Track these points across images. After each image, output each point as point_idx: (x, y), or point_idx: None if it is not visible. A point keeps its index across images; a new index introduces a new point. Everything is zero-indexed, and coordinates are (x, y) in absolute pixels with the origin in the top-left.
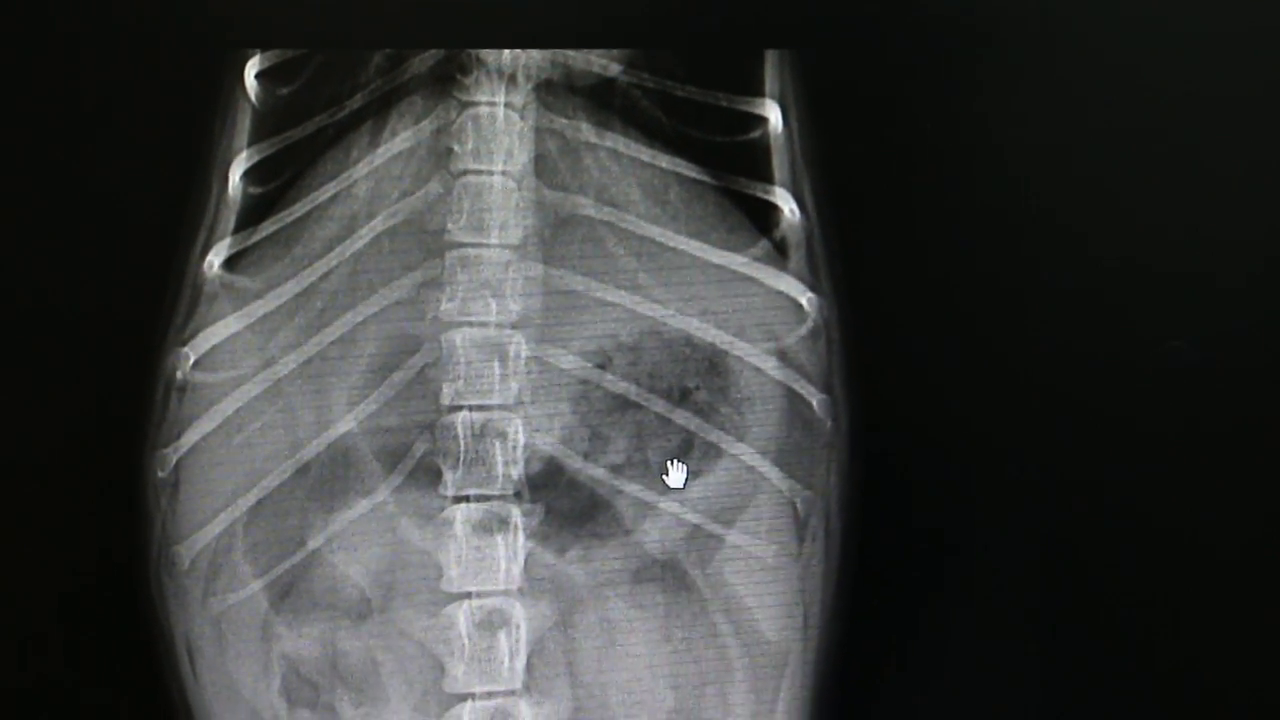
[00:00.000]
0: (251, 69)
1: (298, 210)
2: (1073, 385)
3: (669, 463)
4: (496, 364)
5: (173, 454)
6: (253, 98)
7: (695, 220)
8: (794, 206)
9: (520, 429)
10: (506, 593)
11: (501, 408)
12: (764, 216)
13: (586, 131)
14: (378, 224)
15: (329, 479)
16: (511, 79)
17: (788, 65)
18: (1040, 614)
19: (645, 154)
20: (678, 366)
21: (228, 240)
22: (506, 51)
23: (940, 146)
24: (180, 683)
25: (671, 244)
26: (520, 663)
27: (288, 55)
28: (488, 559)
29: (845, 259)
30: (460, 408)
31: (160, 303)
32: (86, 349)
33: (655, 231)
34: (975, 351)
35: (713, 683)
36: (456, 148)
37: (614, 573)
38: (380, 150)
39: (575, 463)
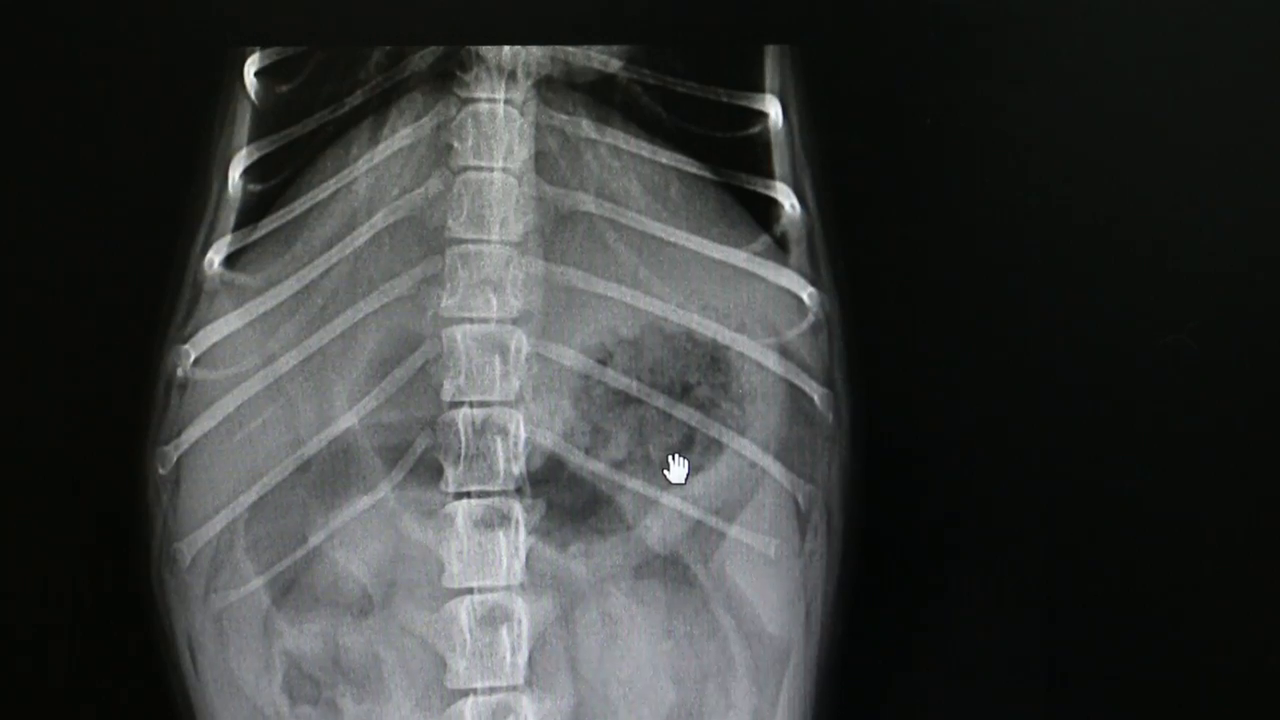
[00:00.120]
0: (251, 66)
1: (298, 207)
2: (1076, 378)
3: (670, 458)
4: (497, 360)
5: (174, 451)
6: (252, 95)
7: (696, 216)
8: (794, 201)
9: (521, 425)
10: (508, 588)
11: (503, 403)
12: (764, 212)
13: (587, 128)
14: (378, 221)
15: (330, 475)
16: (511, 75)
17: (788, 60)
18: (1044, 609)
19: (645, 150)
20: (679, 362)
21: (228, 238)
22: (506, 48)
23: (941, 141)
24: (182, 680)
25: (672, 239)
26: (522, 658)
27: (287, 53)
28: (489, 555)
29: (846, 254)
30: (461, 404)
31: (161, 300)
32: (87, 346)
33: (656, 227)
34: (977, 345)
35: (715, 677)
36: (457, 144)
37: (616, 568)
38: (380, 147)
39: (576, 458)
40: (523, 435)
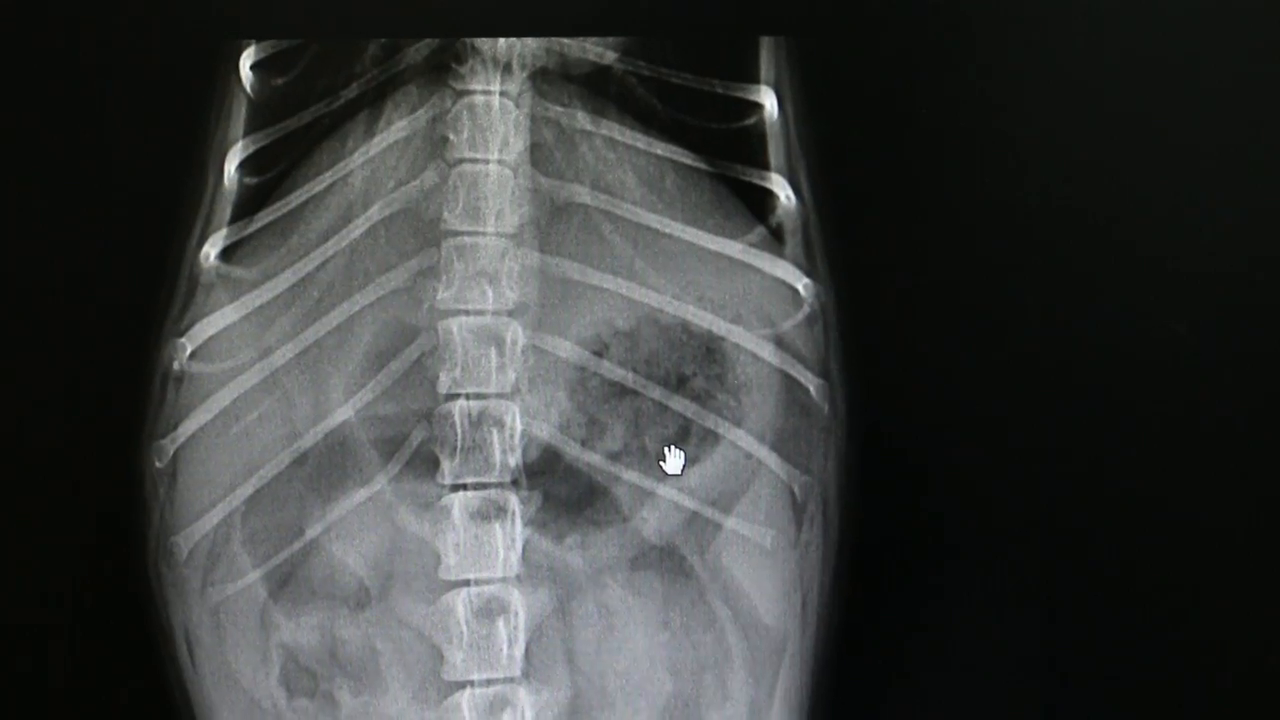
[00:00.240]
0: (247, 60)
1: (294, 200)
2: (1072, 368)
3: (666, 449)
4: (493, 352)
5: (170, 444)
6: (248, 88)
7: (691, 207)
8: (790, 193)
9: (517, 417)
10: (505, 580)
11: (499, 396)
12: (760, 203)
13: (582, 119)
14: (374, 213)
15: (327, 468)
16: (507, 67)
17: (783, 52)
18: (1040, 599)
19: (641, 141)
20: (675, 353)
21: (224, 231)
22: (501, 40)
23: (936, 132)
24: (179, 673)
25: (668, 231)
26: (519, 650)
27: (283, 46)
28: (486, 547)
29: (841, 244)
30: (457, 396)
31: (157, 293)
32: (83, 340)
33: (651, 219)
34: (972, 336)
35: (711, 668)
36: (452, 137)
37: (612, 559)
38: (376, 140)
39: (573, 450)
40: (519, 427)
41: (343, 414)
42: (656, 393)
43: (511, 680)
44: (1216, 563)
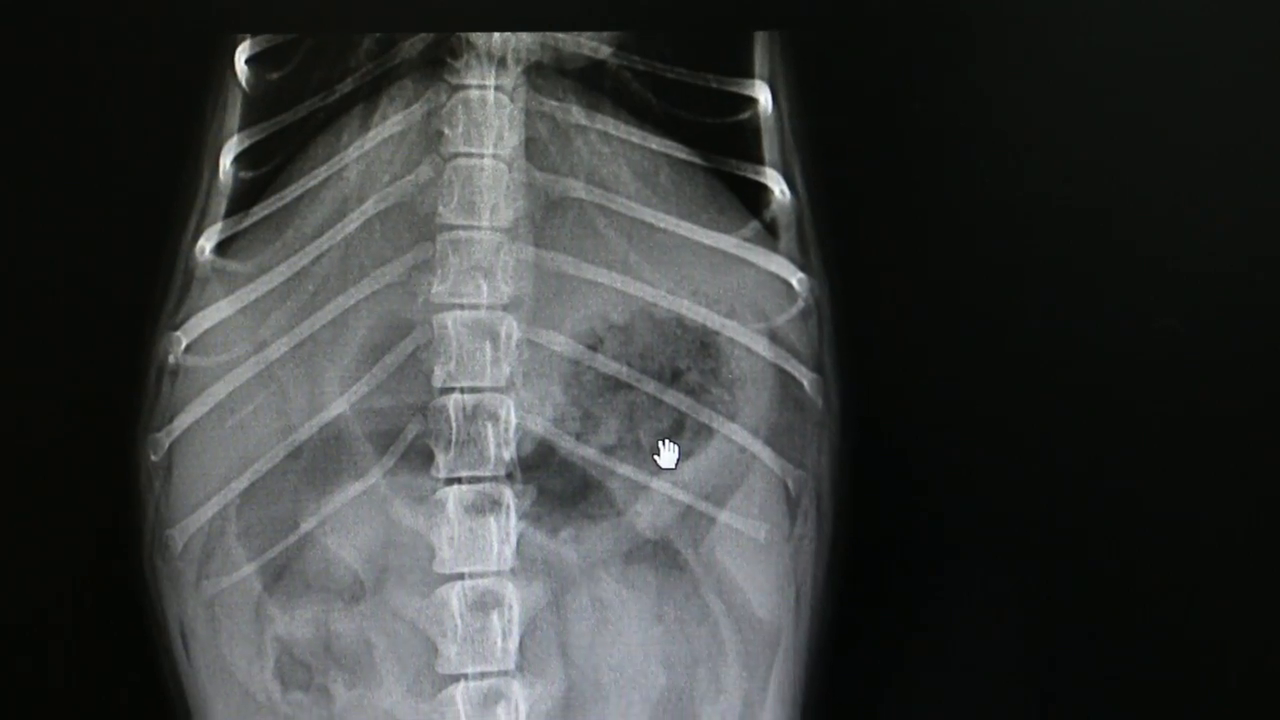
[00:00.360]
0: (242, 54)
1: (289, 195)
2: (1066, 363)
3: (660, 443)
4: (488, 346)
5: (165, 438)
6: (243, 82)
7: (686, 202)
8: (784, 187)
9: (512, 410)
10: (499, 574)
11: (493, 389)
12: (754, 197)
13: (577, 114)
14: (369, 208)
15: (321, 462)
16: (501, 62)
17: (777, 46)
18: (1035, 593)
19: (635, 136)
20: (669, 347)
21: (219, 225)
22: (496, 35)
23: (931, 126)
24: (174, 666)
25: (662, 225)
26: (513, 643)
27: (278, 40)
28: (480, 540)
29: (836, 239)
30: (452, 390)
31: (152, 287)
32: (78, 334)
33: (646, 213)
34: (967, 330)
35: (705, 662)
36: (447, 131)
37: (606, 553)
38: (371, 134)
39: (567, 444)
40: (513, 421)
41: (338, 408)
42: (651, 387)
43: (506, 673)
44: (1215, 560)
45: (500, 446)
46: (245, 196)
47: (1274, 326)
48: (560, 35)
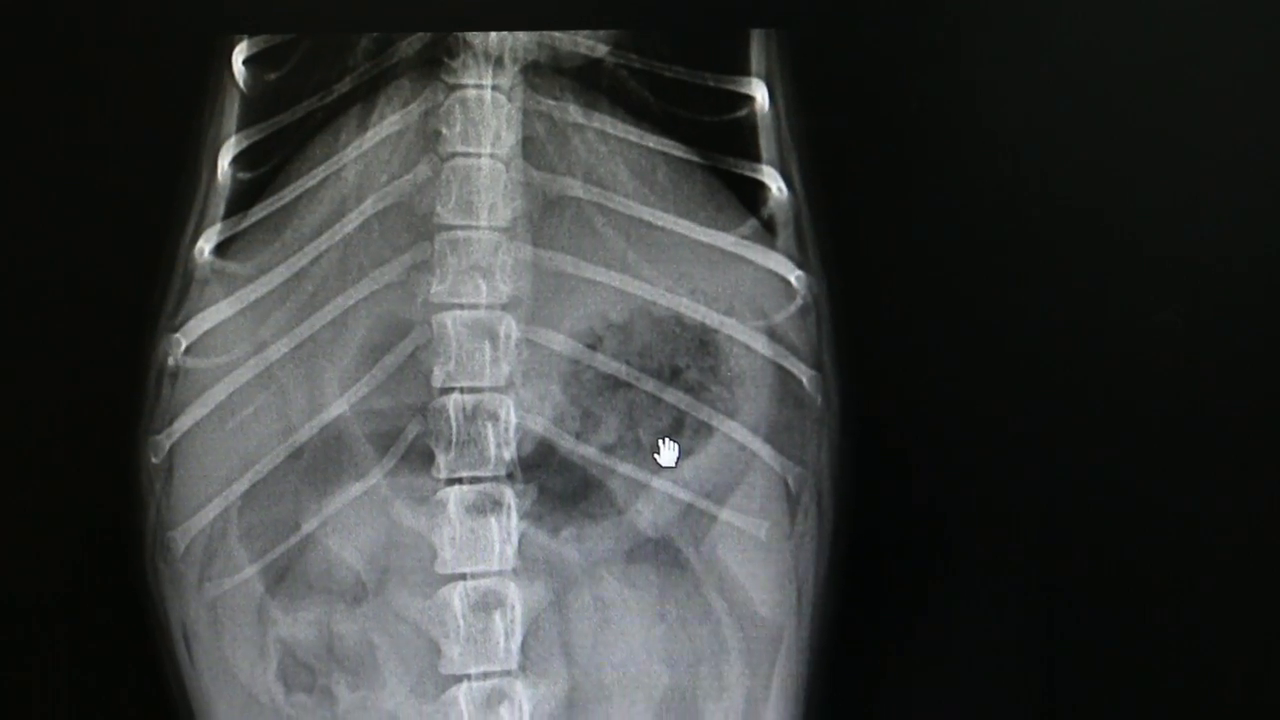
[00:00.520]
0: (239, 54)
1: (287, 195)
2: (1064, 359)
3: (660, 442)
4: (487, 346)
5: (166, 440)
6: (241, 83)
7: (683, 199)
8: (781, 184)
9: (512, 410)
10: (501, 574)
11: (493, 389)
12: (752, 195)
13: (574, 113)
14: (367, 208)
15: (322, 463)
16: (498, 61)
17: (774, 44)
18: (1036, 588)
19: (633, 134)
20: (668, 346)
21: (218, 226)
22: (493, 34)
23: (927, 123)
24: (177, 668)
25: (660, 223)
26: (515, 643)
27: (275, 40)
28: (481, 540)
29: (834, 236)
30: (452, 390)
31: (151, 289)
32: (78, 336)
33: (644, 211)
34: (965, 326)
35: (707, 660)
36: (445, 131)
37: (607, 552)
38: (369, 134)
39: (567, 443)
40: (513, 421)
41: (338, 408)
42: (650, 385)
43: (508, 673)
44: (1218, 559)
45: (500, 446)
46: (244, 197)
47: (1275, 322)
48: (557, 34)
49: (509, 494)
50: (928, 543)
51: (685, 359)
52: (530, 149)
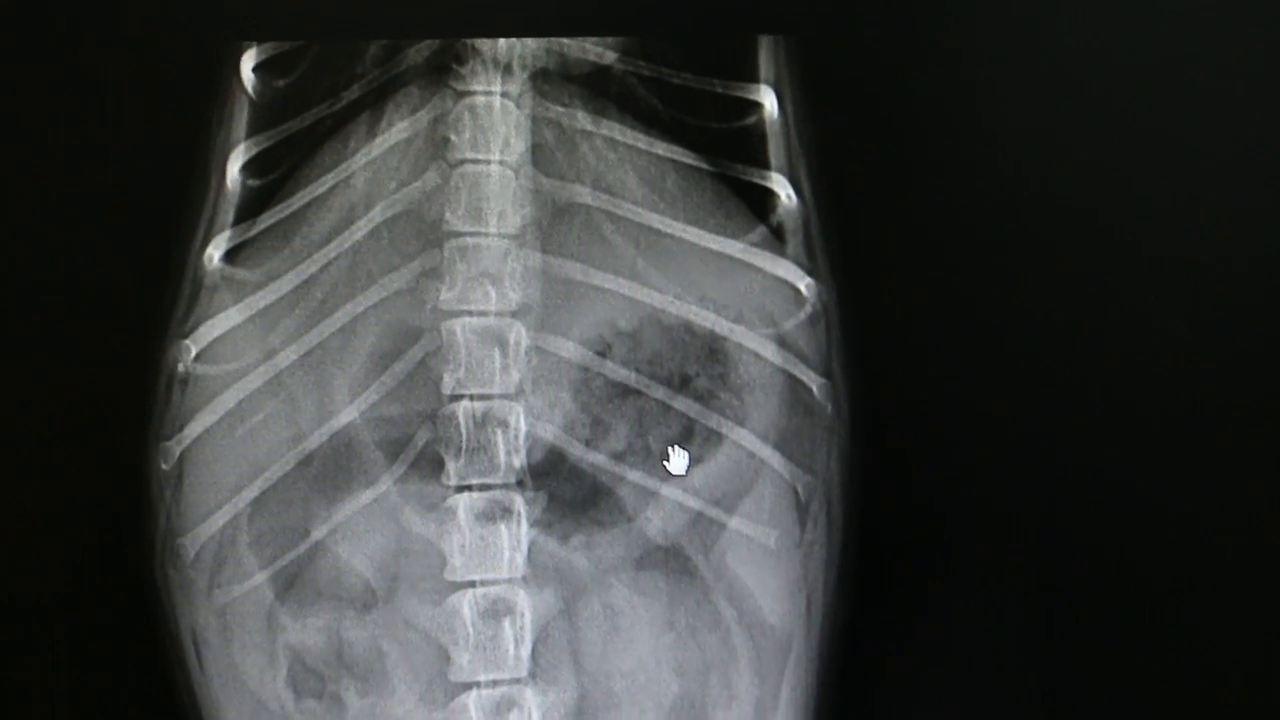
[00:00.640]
0: (248, 62)
1: (296, 202)
2: (1073, 367)
3: (670, 449)
4: (497, 353)
5: (176, 446)
6: (250, 90)
7: (692, 207)
8: (790, 192)
9: (521, 417)
10: (510, 581)
11: (503, 396)
12: (761, 202)
13: (583, 120)
14: (376, 215)
15: (332, 470)
16: (507, 68)
17: (782, 51)
18: (1042, 598)
19: (642, 141)
20: (677, 353)
21: (227, 233)
22: (502, 41)
23: (935, 130)
24: (187, 675)
25: (669, 231)
26: (525, 650)
27: (284, 47)
28: (491, 547)
29: (842, 243)
30: (461, 397)
31: (161, 296)
32: (88, 342)
33: (653, 219)
34: (974, 334)
35: (716, 668)
36: (454, 137)
37: (617, 560)
38: (378, 141)
39: (577, 450)
40: (523, 428)
41: (347, 415)
42: (660, 393)
43: (518, 681)
44: (1217, 562)
45: (510, 453)
46: (253, 204)
47: (1275, 322)
48: (566, 41)
49: (519, 501)
50: (936, 551)
51: (694, 366)
52: (539, 156)
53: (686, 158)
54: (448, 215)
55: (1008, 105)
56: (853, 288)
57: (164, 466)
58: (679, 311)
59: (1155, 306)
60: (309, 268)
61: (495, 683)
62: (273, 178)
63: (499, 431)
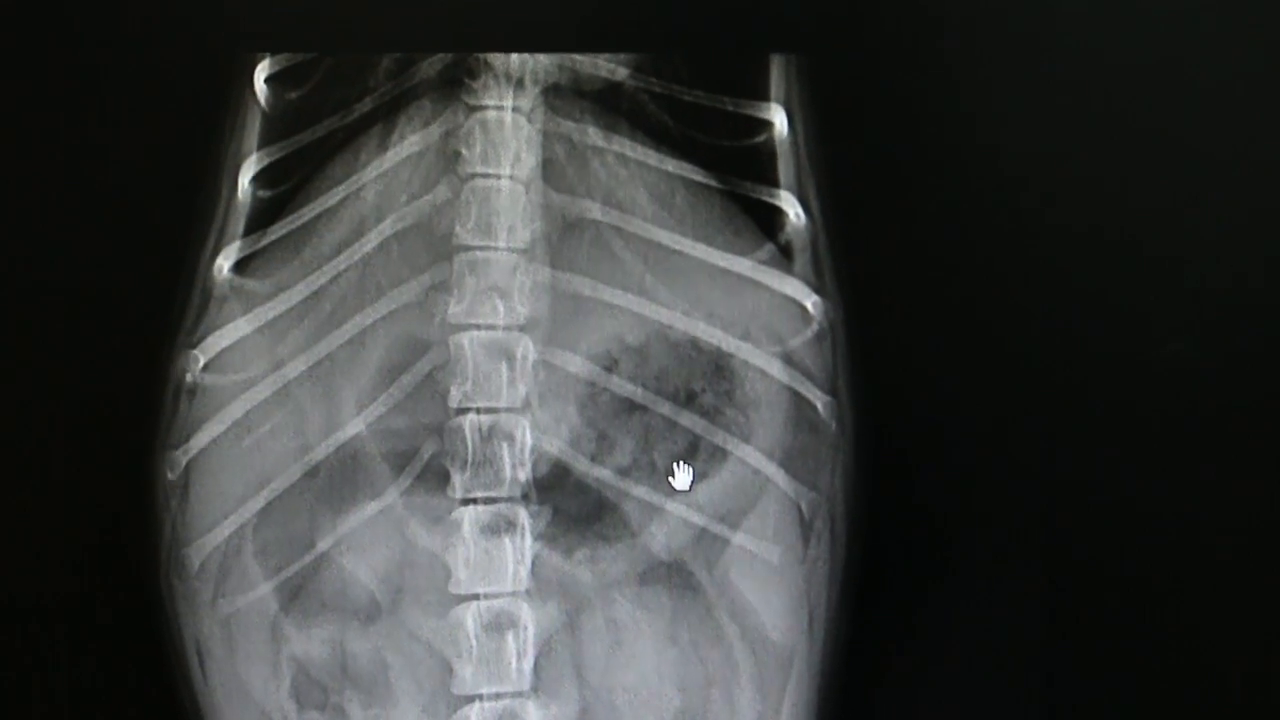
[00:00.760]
0: (261, 73)
1: (307, 214)
2: (1080, 387)
3: (675, 465)
4: (504, 367)
5: (182, 456)
6: (262, 101)
7: (701, 224)
8: (799, 210)
9: (528, 431)
10: (514, 594)
11: (509, 410)
12: (769, 220)
13: (594, 135)
14: (386, 228)
15: (338, 481)
16: (519, 83)
17: (793, 70)
18: (1046, 616)
19: (652, 158)
20: (684, 369)
21: (237, 244)
22: (514, 56)
23: (945, 150)
24: (190, 685)
25: (678, 247)
26: (528, 664)
27: (297, 59)
28: (496, 561)
29: (850, 262)
30: (468, 410)
31: (170, 306)
32: (96, 351)
33: (662, 235)
34: (981, 353)
35: (719, 684)
36: (465, 152)
37: (621, 574)
38: (389, 154)
39: (582, 465)
40: (529, 442)
41: (354, 427)
42: (665, 408)
43: (520, 695)
44: (1218, 570)
45: (516, 467)
46: (263, 215)
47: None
48: (578, 57)
49: (523, 515)
50: (941, 568)
51: (701, 383)
52: (550, 171)
53: (696, 174)
54: (458, 229)
55: (1016, 126)
56: (859, 306)
57: (170, 476)
58: (686, 328)
59: (1164, 324)
60: (318, 279)
61: (498, 696)
62: (283, 189)
63: (505, 445)
